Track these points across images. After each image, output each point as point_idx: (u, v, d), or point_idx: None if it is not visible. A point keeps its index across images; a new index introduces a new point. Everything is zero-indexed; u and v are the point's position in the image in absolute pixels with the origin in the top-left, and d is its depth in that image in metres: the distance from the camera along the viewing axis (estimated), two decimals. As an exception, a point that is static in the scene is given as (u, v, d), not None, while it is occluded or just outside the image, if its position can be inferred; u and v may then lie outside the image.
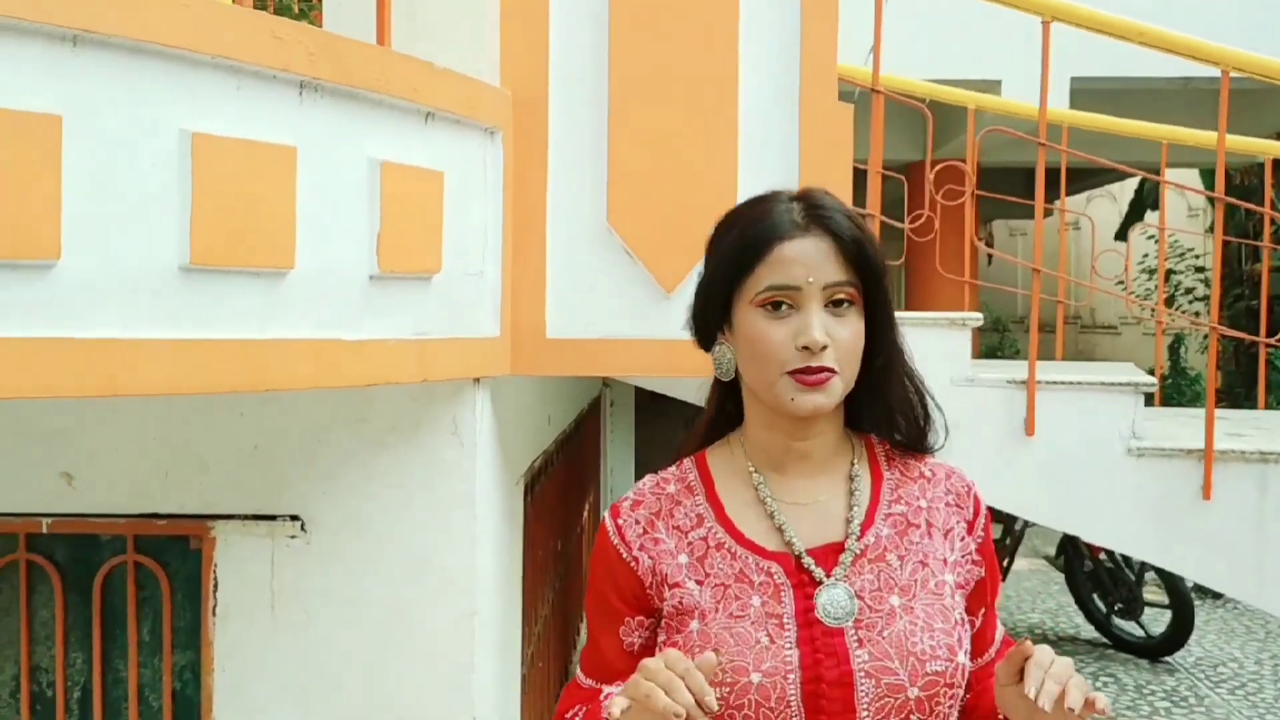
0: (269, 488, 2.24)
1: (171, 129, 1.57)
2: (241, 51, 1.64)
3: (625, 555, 1.33)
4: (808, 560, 1.28)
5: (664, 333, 2.34)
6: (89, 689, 2.31)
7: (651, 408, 7.59)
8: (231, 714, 2.26)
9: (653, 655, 1.23)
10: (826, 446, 1.34)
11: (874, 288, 1.29)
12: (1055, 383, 3.36)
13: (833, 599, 1.26)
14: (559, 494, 3.95)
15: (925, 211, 4.31)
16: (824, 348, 1.25)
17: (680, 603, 1.29)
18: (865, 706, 1.22)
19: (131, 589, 2.28)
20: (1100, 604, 5.91)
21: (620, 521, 1.35)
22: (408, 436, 2.26)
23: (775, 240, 1.27)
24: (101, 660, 2.30)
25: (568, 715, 1.38)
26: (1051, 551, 6.78)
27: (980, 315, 3.48)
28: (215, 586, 2.25)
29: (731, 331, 1.33)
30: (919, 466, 1.37)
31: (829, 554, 1.29)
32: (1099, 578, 5.86)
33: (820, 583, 1.27)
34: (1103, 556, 5.81)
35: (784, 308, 1.27)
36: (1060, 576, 6.66)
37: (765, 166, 2.39)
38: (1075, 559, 5.91)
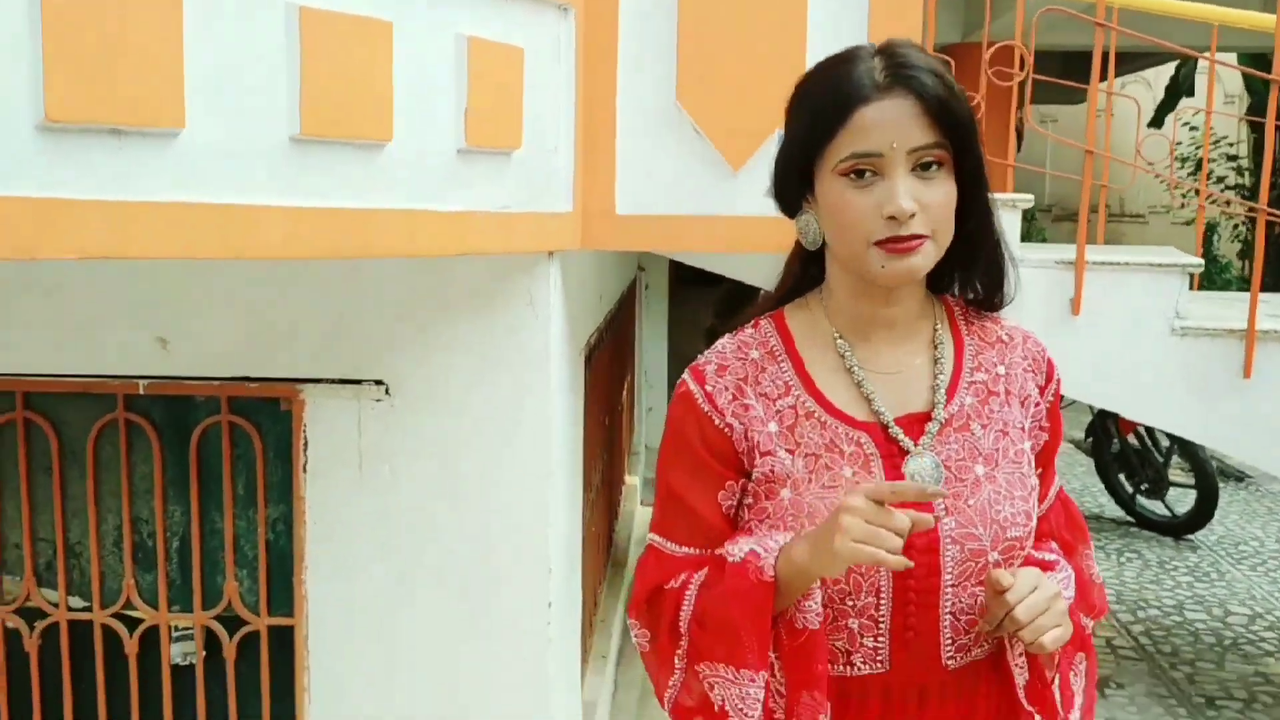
0: (355, 354, 2.36)
1: (279, 2, 1.63)
2: (342, -74, 1.69)
3: (719, 422, 1.31)
4: (896, 430, 1.29)
5: (730, 209, 2.42)
6: (187, 539, 2.46)
7: (683, 292, 7.67)
8: (321, 563, 2.42)
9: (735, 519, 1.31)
10: (911, 312, 1.33)
11: (964, 147, 1.23)
12: (1102, 263, 3.43)
13: (921, 468, 1.27)
14: (607, 370, 4.07)
15: (974, 94, 4.31)
16: (912, 215, 1.20)
17: (771, 470, 1.29)
18: (949, 570, 1.27)
19: (226, 447, 2.42)
20: (1126, 484, 6.05)
21: (709, 388, 1.32)
22: (484, 306, 2.36)
23: (857, 104, 1.20)
24: (199, 513, 2.45)
25: (668, 584, 1.33)
26: (1079, 434, 6.90)
27: (1031, 197, 3.52)
28: (305, 445, 2.39)
29: (815, 200, 1.28)
30: (996, 330, 1.37)
31: (915, 423, 1.30)
32: (1126, 458, 5.99)
33: (908, 452, 1.28)
34: (1131, 438, 5.92)
35: (867, 175, 1.21)
36: (1086, 459, 6.79)
37: (834, 41, 2.42)
38: (1103, 440, 6.03)
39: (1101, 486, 6.24)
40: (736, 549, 1.28)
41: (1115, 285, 3.40)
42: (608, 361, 4.08)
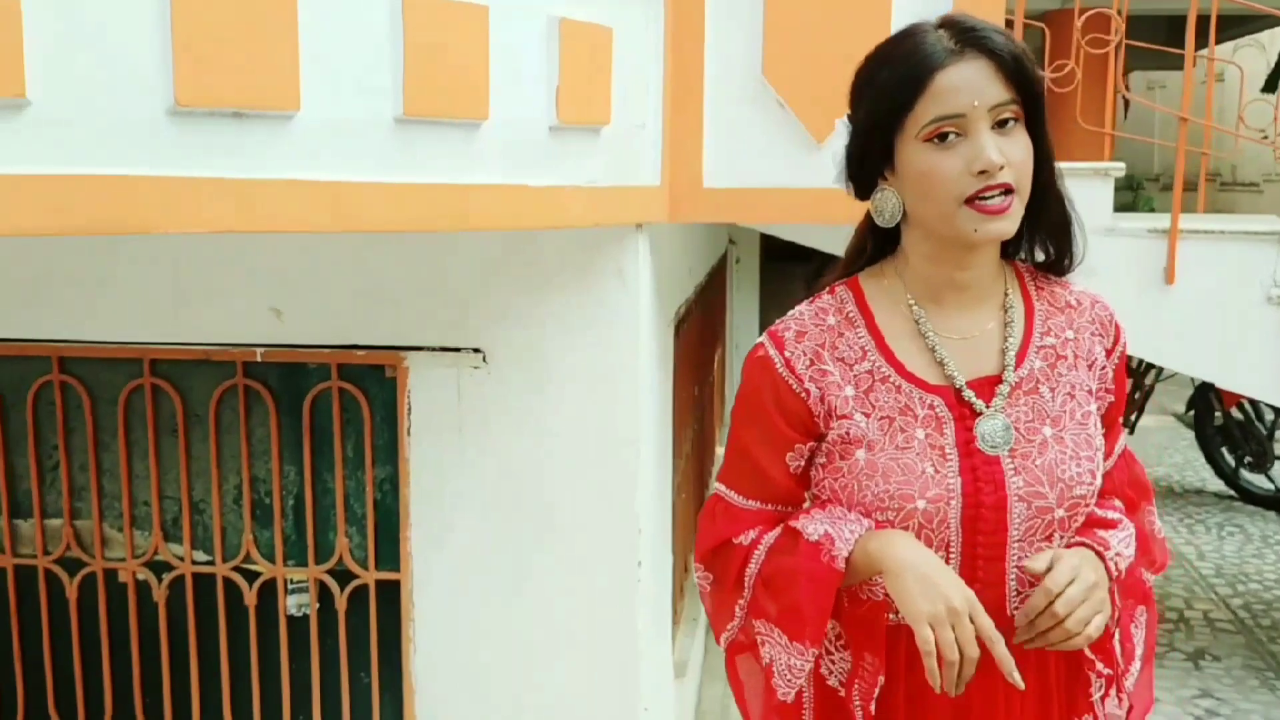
0: (454, 323, 2.48)
1: (384, -10, 1.74)
2: (440, -83, 1.79)
3: (796, 387, 1.36)
4: (968, 393, 1.34)
5: (815, 182, 2.46)
6: (301, 497, 2.63)
7: (774, 266, 7.69)
8: (425, 520, 2.56)
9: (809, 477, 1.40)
10: (985, 277, 1.37)
11: (1034, 105, 1.28)
12: (1197, 231, 3.39)
13: (992, 429, 1.33)
14: (696, 342, 4.15)
15: (1069, 62, 4.26)
16: (1001, 167, 1.24)
17: (847, 433, 1.34)
18: (1016, 526, 1.32)
19: (336, 411, 2.58)
20: (1229, 458, 5.94)
21: (788, 354, 1.37)
22: (576, 277, 2.46)
23: (933, 69, 1.25)
24: (312, 473, 2.61)
25: (738, 538, 1.41)
26: (1180, 408, 6.77)
27: (1122, 165, 3.49)
28: (409, 410, 2.53)
29: (895, 173, 1.32)
30: (1064, 295, 1.41)
31: (986, 386, 1.35)
32: (1229, 431, 5.87)
33: (979, 414, 1.33)
34: (1234, 411, 5.80)
35: (951, 137, 1.25)
36: (1188, 433, 6.67)
37: (918, 14, 2.45)
38: (1206, 413, 5.92)
39: (1204, 460, 6.13)
40: (814, 527, 1.34)
41: (1210, 254, 3.37)
42: (697, 333, 4.16)
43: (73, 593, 2.72)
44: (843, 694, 1.40)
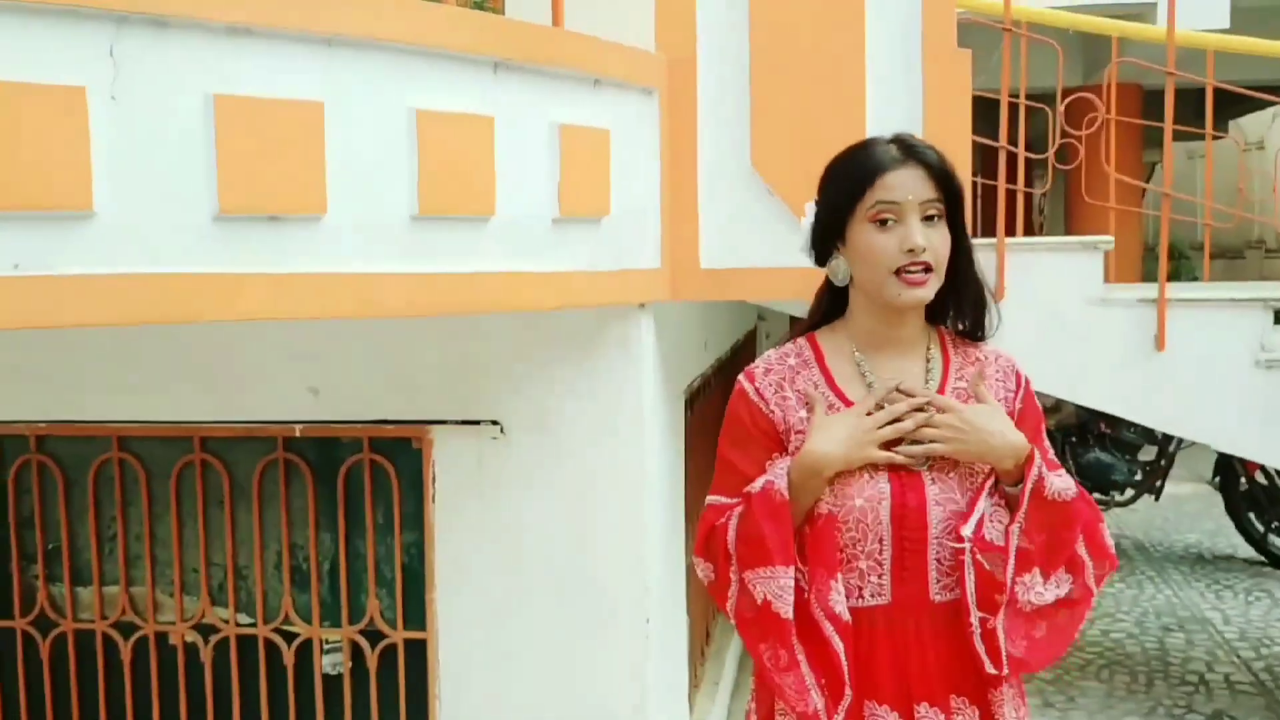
0: (474, 397, 2.71)
1: (400, 107, 2.00)
2: (449, 41, 2.06)
3: (765, 410, 1.70)
4: None
5: (803, 261, 2.68)
6: (336, 562, 2.85)
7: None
8: (449, 581, 2.76)
9: None
10: (913, 333, 1.72)
11: (955, 206, 1.66)
12: (1185, 300, 3.55)
13: (913, 447, 1.65)
14: (717, 415, 4.34)
15: (1068, 140, 4.46)
16: (924, 250, 1.61)
17: (801, 445, 1.66)
18: (934, 525, 1.64)
19: (368, 481, 2.80)
20: (1257, 522, 5.97)
21: (758, 384, 1.72)
22: (586, 354, 2.68)
23: (882, 170, 1.63)
24: (345, 540, 2.83)
25: (719, 521, 1.69)
26: (1208, 474, 6.80)
27: (1111, 239, 3.66)
28: (434, 479, 2.75)
29: (845, 246, 1.68)
30: (976, 352, 1.76)
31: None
32: (1255, 497, 5.92)
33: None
34: (1259, 475, 5.86)
35: (889, 222, 1.62)
36: (1220, 499, 6.70)
37: (891, 108, 2.69)
38: (1231, 480, 5.97)
39: (1234, 527, 6.16)
40: (756, 483, 1.66)
41: (1199, 321, 3.51)
42: (718, 405, 4.35)
43: (127, 654, 2.94)
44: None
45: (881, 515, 1.63)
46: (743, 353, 5.71)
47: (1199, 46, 4.72)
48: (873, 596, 1.65)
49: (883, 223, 1.62)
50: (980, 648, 1.62)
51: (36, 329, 1.75)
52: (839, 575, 1.62)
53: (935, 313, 1.74)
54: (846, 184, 1.66)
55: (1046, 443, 1.79)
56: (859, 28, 2.70)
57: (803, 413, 1.69)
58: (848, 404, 1.69)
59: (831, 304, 1.79)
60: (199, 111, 1.76)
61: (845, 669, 1.60)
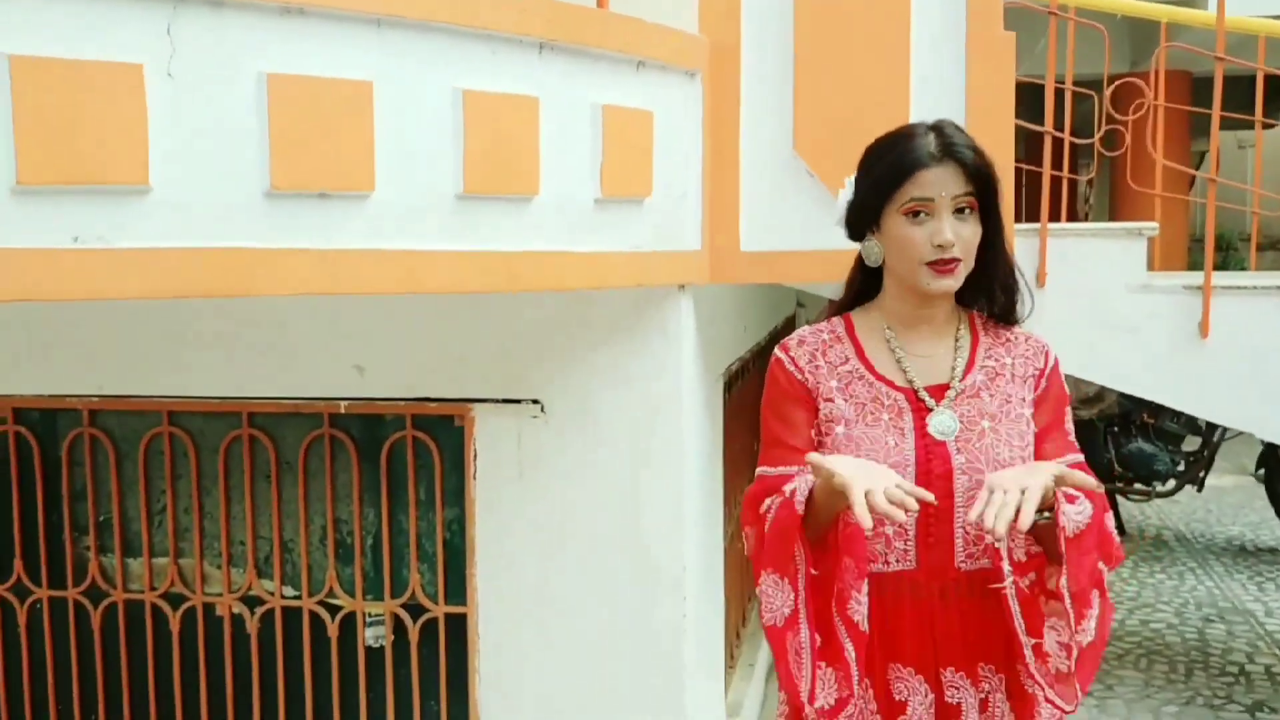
0: (515, 376, 2.74)
1: (447, 88, 2.03)
2: (496, 22, 2.08)
3: (799, 377, 1.79)
4: (923, 393, 1.75)
5: (842, 244, 2.68)
6: (379, 537, 2.89)
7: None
8: (489, 558, 2.80)
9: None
10: (942, 314, 1.79)
11: (989, 198, 1.71)
12: (1230, 287, 3.52)
13: (941, 420, 1.73)
14: (755, 399, 4.35)
15: (1114, 126, 4.42)
16: (953, 245, 1.68)
17: (830, 413, 1.76)
18: (960, 493, 1.70)
19: (410, 458, 2.85)
20: (1301, 515, 5.90)
21: (792, 354, 1.82)
22: (625, 335, 2.71)
23: (918, 166, 1.68)
24: (388, 515, 2.88)
25: (763, 505, 1.75)
26: (1251, 466, 6.73)
27: (1155, 226, 3.63)
28: (475, 456, 2.79)
29: (880, 231, 1.75)
30: (1007, 334, 1.82)
31: (939, 391, 1.76)
32: (1299, 489, 5.85)
33: (931, 409, 1.75)
34: (1304, 468, 5.79)
35: (922, 215, 1.69)
36: (1264, 491, 6.62)
37: (934, 93, 2.69)
38: (1275, 471, 5.91)
39: (1277, 518, 6.09)
40: (790, 485, 1.72)
41: (1243, 309, 3.48)
42: (756, 390, 4.36)
43: (175, 625, 3.01)
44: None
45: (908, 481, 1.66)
46: (782, 338, 5.71)
47: (1250, 32, 4.66)
48: (898, 562, 1.72)
49: (916, 214, 1.69)
50: (1039, 679, 1.64)
51: (93, 300, 1.80)
52: (864, 584, 1.64)
53: (968, 297, 1.80)
54: (884, 176, 1.72)
55: (1069, 423, 1.82)
56: (904, 12, 2.69)
57: (834, 382, 1.77)
58: (878, 377, 1.76)
59: (865, 284, 1.86)
60: (252, 90, 1.80)
61: (855, 676, 1.63)
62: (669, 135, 2.54)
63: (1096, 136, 4.34)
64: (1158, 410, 5.83)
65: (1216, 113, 3.54)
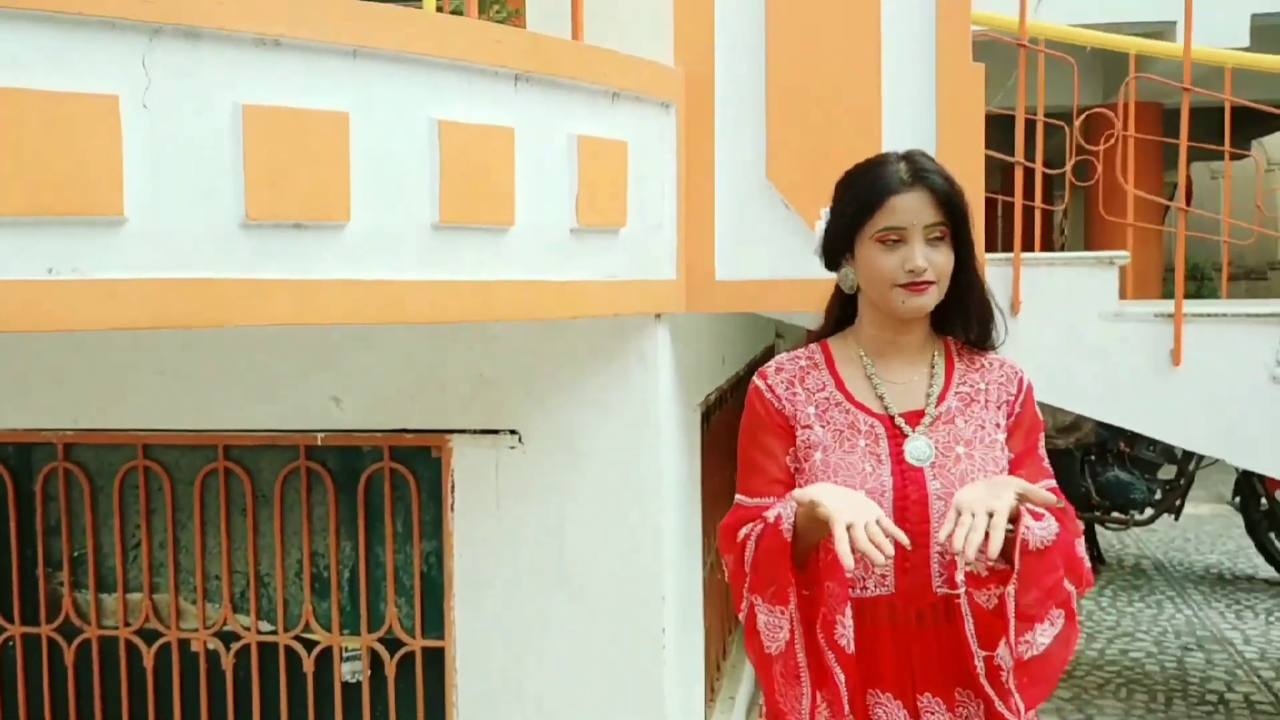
0: (492, 407, 2.74)
1: (423, 118, 2.05)
2: (471, 54, 2.10)
3: (776, 405, 1.80)
4: (899, 420, 1.76)
5: (817, 273, 2.70)
6: (356, 570, 2.88)
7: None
8: (467, 590, 2.79)
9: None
10: (917, 341, 1.80)
11: (960, 226, 1.73)
12: (1202, 315, 3.55)
13: (916, 446, 1.74)
14: (733, 430, 4.36)
15: (1085, 157, 4.48)
16: (925, 270, 1.70)
17: (808, 439, 1.77)
18: (935, 519, 1.69)
19: (388, 490, 2.84)
20: (1278, 542, 5.93)
21: (770, 381, 1.82)
22: (603, 364, 2.71)
23: (889, 194, 1.70)
24: (365, 548, 2.86)
25: (741, 532, 1.74)
26: (1228, 494, 6.77)
27: (1127, 255, 3.67)
28: (453, 488, 2.78)
29: (853, 258, 1.78)
30: (982, 359, 1.83)
31: (914, 417, 1.76)
32: (1275, 516, 5.88)
33: (907, 435, 1.75)
34: (1279, 495, 5.83)
35: (894, 242, 1.70)
36: (1241, 519, 6.66)
37: (906, 122, 2.72)
38: (1251, 499, 5.95)
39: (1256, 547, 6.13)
40: (772, 511, 1.71)
41: (1215, 336, 3.51)
42: (734, 421, 4.37)
43: (150, 661, 2.97)
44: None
45: (885, 507, 1.67)
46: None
47: (1218, 64, 4.73)
48: (876, 587, 1.72)
49: (888, 241, 1.70)
50: (990, 691, 1.65)
51: (68, 331, 1.79)
52: (848, 609, 1.63)
53: (943, 324, 1.82)
54: (855, 204, 1.74)
55: (1042, 449, 1.83)
56: (875, 43, 2.73)
57: (811, 409, 1.78)
58: (855, 404, 1.77)
59: (842, 312, 1.88)
60: (228, 120, 1.81)
61: (845, 699, 1.63)
62: (644, 165, 2.56)
63: (1068, 167, 4.40)
64: (1134, 438, 5.87)
65: (1184, 143, 3.59)
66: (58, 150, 1.68)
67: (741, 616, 1.78)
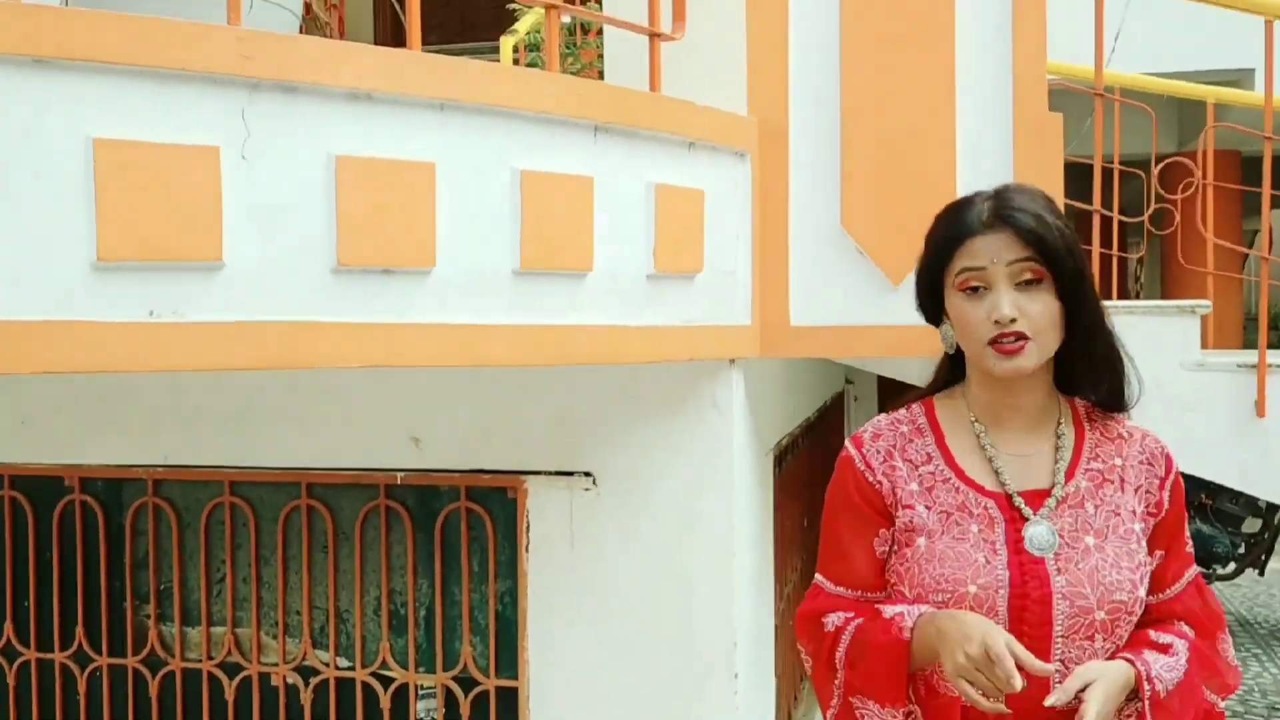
0: (567, 449, 2.78)
1: (506, 168, 2.11)
2: (554, 106, 2.17)
3: (871, 479, 1.59)
4: (1019, 500, 1.54)
5: (891, 319, 2.72)
6: (432, 608, 2.92)
7: (892, 404, 7.81)
8: (541, 630, 2.82)
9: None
10: (1036, 404, 1.58)
11: (1059, 267, 1.50)
12: (1285, 365, 3.48)
13: (1038, 533, 1.52)
14: (805, 475, 4.35)
15: (1163, 205, 4.44)
16: (1012, 320, 1.48)
17: (910, 522, 1.56)
18: (1060, 622, 1.49)
19: (464, 529, 2.89)
20: (1368, 600, 5.73)
21: (865, 451, 1.61)
22: (677, 408, 2.74)
23: (966, 236, 1.53)
24: (442, 586, 2.91)
25: (828, 622, 1.60)
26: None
27: (1209, 303, 3.62)
28: (528, 528, 2.82)
29: (948, 313, 1.59)
30: (1118, 428, 1.61)
31: (1036, 497, 1.55)
32: (1366, 573, 5.69)
33: (1028, 519, 1.53)
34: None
35: (979, 290, 1.51)
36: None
37: (982, 172, 2.72)
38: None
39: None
40: (891, 609, 1.56)
41: (1301, 386, 3.44)
42: (805, 466, 4.37)
43: (231, 694, 3.04)
44: None
45: (999, 606, 1.49)
46: (831, 415, 5.71)
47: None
48: (987, 697, 1.46)
49: (973, 290, 1.52)
50: None
51: (167, 371, 1.87)
52: None
53: (1068, 383, 1.62)
54: (934, 249, 1.59)
55: (1187, 536, 1.65)
56: (949, 93, 2.75)
57: (914, 485, 1.58)
58: (966, 481, 1.57)
59: (952, 373, 1.67)
60: (321, 170, 1.89)
61: None
62: (719, 213, 2.60)
63: (1146, 215, 4.35)
64: (1217, 491, 5.72)
65: (1267, 191, 3.55)
66: (161, 199, 1.77)
67: (829, 716, 1.63)
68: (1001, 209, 1.53)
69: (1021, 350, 1.50)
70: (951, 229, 1.56)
